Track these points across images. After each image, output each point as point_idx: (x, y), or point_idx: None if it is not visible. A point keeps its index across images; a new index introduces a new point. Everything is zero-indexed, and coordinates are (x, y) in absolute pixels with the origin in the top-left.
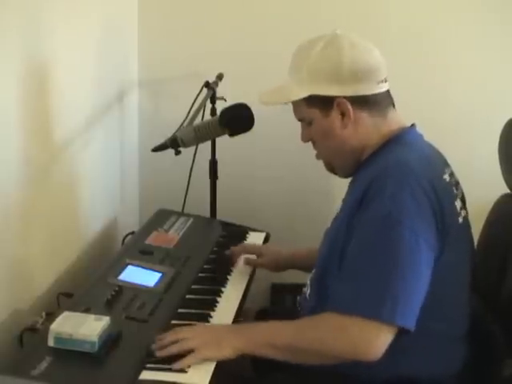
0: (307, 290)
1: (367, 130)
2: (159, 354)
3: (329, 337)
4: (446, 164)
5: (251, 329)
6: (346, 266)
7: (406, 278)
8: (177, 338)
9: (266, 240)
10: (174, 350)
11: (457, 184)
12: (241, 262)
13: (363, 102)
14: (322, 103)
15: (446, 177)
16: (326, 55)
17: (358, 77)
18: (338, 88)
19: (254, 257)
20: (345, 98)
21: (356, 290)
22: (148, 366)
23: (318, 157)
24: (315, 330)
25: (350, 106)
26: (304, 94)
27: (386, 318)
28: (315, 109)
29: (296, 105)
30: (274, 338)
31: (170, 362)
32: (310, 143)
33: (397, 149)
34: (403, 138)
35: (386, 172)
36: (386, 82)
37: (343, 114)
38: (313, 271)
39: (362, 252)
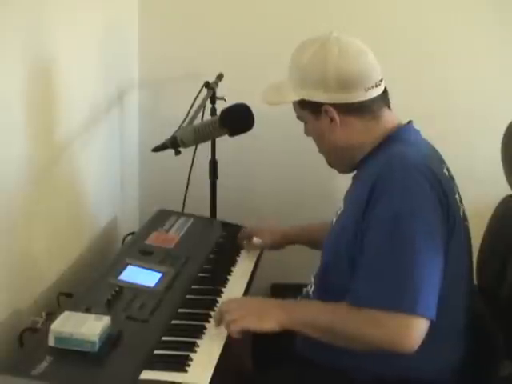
0: (310, 288)
1: (358, 133)
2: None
3: (365, 329)
4: (442, 160)
5: (295, 307)
6: (364, 264)
7: (425, 269)
8: (221, 311)
9: None
10: (218, 322)
11: (453, 179)
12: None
13: (351, 110)
14: (312, 108)
15: (445, 171)
16: (313, 63)
17: (343, 85)
18: (324, 95)
19: (258, 240)
20: (331, 105)
21: (378, 286)
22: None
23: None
24: (352, 319)
25: (335, 114)
26: (296, 97)
27: (408, 310)
28: (307, 112)
29: (293, 104)
30: (315, 320)
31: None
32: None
33: (396, 145)
34: (401, 134)
35: (390, 168)
36: (377, 86)
37: (331, 119)
38: (317, 268)
39: (379, 249)
